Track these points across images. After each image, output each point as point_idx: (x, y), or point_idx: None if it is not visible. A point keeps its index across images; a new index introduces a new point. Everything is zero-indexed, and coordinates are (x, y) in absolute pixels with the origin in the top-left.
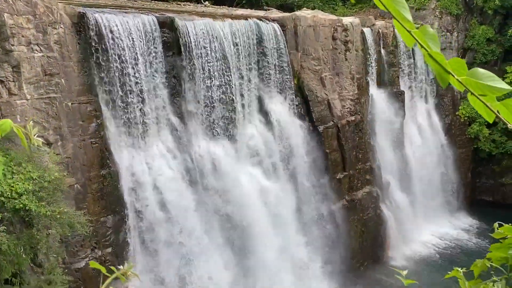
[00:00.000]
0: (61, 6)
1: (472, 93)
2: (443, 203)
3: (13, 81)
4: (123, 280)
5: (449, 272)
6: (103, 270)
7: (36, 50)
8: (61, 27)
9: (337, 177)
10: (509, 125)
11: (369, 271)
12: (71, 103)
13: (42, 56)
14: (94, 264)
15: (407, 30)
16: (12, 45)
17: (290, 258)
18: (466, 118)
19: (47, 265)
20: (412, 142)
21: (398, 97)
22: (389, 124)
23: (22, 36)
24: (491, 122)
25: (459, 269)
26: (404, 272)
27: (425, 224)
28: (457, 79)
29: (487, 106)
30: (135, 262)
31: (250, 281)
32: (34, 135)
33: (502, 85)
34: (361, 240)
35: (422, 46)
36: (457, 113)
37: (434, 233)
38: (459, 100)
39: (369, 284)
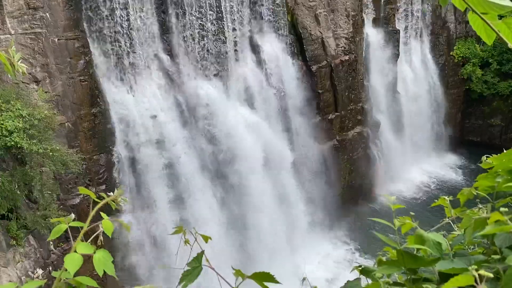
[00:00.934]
0: None
1: (473, 11)
2: (432, 143)
3: None
4: (114, 206)
5: (436, 201)
6: (92, 195)
7: None
8: None
9: (329, 118)
10: (509, 44)
11: (355, 207)
12: (58, 39)
13: None
14: (83, 190)
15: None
16: None
17: (277, 194)
18: (460, 59)
19: (42, 201)
20: (405, 82)
21: (393, 36)
22: (383, 64)
23: None
24: (490, 44)
25: (446, 197)
26: (393, 198)
27: (413, 163)
28: None
29: (488, 24)
30: (129, 200)
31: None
32: (18, 61)
33: (506, 2)
34: (350, 179)
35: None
36: (451, 53)
37: (421, 172)
38: (454, 40)
39: (355, 219)
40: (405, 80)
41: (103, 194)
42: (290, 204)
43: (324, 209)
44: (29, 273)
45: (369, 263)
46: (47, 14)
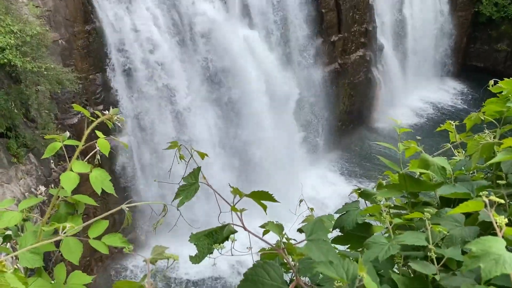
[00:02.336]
0: None
1: None
2: (434, 67)
3: None
4: (110, 125)
5: (441, 126)
6: (86, 113)
7: None
8: None
9: (331, 40)
10: None
11: (354, 130)
12: None
13: None
14: (78, 108)
15: None
16: None
17: (278, 118)
18: None
19: (40, 120)
20: (412, 3)
21: None
22: None
23: None
24: None
25: (452, 122)
26: (399, 121)
27: (414, 88)
28: None
29: None
30: (126, 121)
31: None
32: None
33: None
34: (349, 103)
35: None
36: None
37: (422, 98)
38: None
39: (353, 141)
40: (412, 2)
41: (97, 113)
42: (289, 129)
43: (322, 133)
44: (32, 189)
45: (368, 187)
46: None
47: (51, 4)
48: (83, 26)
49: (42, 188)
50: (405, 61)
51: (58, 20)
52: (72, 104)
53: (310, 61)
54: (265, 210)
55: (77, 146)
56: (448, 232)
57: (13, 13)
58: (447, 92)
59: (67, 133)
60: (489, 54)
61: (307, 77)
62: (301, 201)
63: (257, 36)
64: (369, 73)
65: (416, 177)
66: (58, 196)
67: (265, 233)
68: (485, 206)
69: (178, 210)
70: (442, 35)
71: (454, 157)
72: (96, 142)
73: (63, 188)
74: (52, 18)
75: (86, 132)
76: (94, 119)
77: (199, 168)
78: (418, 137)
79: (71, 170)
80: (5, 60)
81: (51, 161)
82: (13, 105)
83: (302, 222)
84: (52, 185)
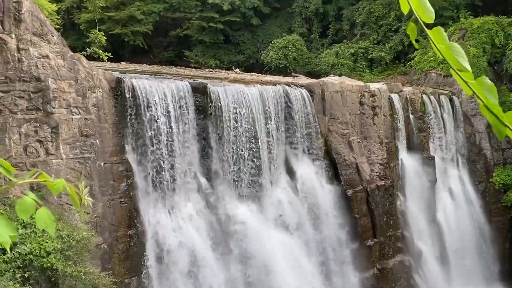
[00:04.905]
0: (101, 72)
1: (452, 68)
2: (479, 273)
3: (51, 141)
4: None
5: None
6: None
7: (75, 113)
8: (99, 91)
9: (367, 244)
10: (484, 102)
11: None
12: (104, 163)
13: (80, 118)
14: None
15: (464, 81)
16: (53, 107)
17: None
18: (500, 185)
19: None
20: (445, 209)
21: (428, 162)
22: (420, 190)
23: (63, 100)
24: (501, 139)
25: None
26: None
27: None
28: None
29: (465, 82)
30: None
31: None
32: (85, 195)
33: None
34: None
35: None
36: (491, 180)
37: None
38: (492, 166)
39: None
40: (445, 207)
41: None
42: None
43: None
44: None
45: None
46: (97, 140)
47: (100, 211)
48: (126, 230)
49: None
50: (447, 266)
51: (103, 225)
52: None
53: (347, 266)
54: None
55: None
56: None
57: (65, 219)
58: None
59: None
60: None
61: (344, 284)
62: None
63: (292, 241)
64: (411, 279)
65: None
66: None
67: None
68: None
69: None
70: (481, 240)
71: None
72: None
73: None
74: (98, 223)
75: None
76: None
77: None
78: None
79: None
80: (48, 264)
81: None
82: None
83: None
84: None
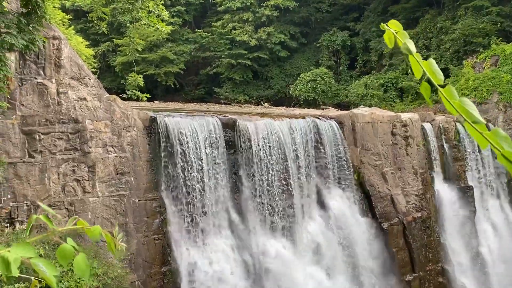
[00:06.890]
0: (136, 112)
1: (466, 120)
2: None
3: (88, 180)
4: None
5: None
6: None
7: (111, 151)
8: (134, 130)
9: (406, 279)
10: (500, 152)
11: None
12: (138, 200)
13: (116, 156)
14: None
15: (480, 132)
16: (90, 147)
17: None
18: None
19: None
20: (487, 240)
21: (466, 192)
22: (460, 221)
23: (99, 139)
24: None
25: None
26: None
27: None
28: None
29: (481, 133)
30: None
31: None
32: (119, 240)
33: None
34: None
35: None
36: None
37: None
38: None
39: None
40: (487, 239)
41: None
42: None
43: None
44: None
45: None
46: (131, 178)
47: (135, 248)
48: (160, 267)
49: None
50: None
51: (138, 262)
52: None
53: None
54: None
55: None
56: None
57: (100, 256)
58: None
59: None
60: None
61: None
62: None
63: (323, 275)
64: None
65: None
66: None
67: None
68: None
69: None
70: None
71: None
72: None
73: None
74: (133, 260)
75: None
76: None
77: None
78: None
79: None
80: None
81: None
82: None
83: None
84: None
